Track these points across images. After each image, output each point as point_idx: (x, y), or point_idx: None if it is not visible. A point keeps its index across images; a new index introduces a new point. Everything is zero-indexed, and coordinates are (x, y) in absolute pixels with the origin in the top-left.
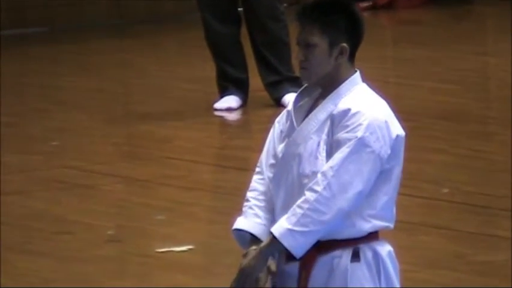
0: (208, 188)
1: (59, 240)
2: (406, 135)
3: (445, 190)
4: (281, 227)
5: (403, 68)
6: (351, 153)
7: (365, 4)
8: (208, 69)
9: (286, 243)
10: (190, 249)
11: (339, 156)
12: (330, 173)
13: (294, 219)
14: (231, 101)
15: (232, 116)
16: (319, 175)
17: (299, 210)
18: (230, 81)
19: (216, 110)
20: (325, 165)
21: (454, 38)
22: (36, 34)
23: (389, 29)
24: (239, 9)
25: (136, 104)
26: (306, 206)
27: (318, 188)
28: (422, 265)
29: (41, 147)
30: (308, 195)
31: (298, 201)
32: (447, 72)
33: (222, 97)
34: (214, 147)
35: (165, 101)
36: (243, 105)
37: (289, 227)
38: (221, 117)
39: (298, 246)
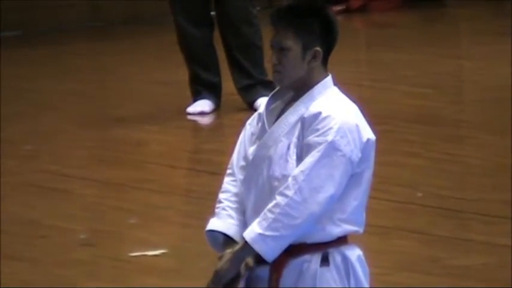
0: (181, 192)
1: (34, 244)
2: (380, 138)
3: (419, 194)
4: (253, 231)
5: (376, 72)
6: (321, 157)
7: (338, 7)
8: (181, 73)
9: (258, 247)
10: (163, 253)
11: (309, 160)
12: (301, 177)
13: (265, 224)
14: (204, 105)
15: (205, 120)
16: (290, 179)
17: (270, 215)
18: (203, 85)
19: (189, 114)
20: (295, 170)
21: (428, 41)
22: (13, 37)
23: (362, 32)
24: (212, 13)
25: (112, 107)
26: (277, 210)
27: (289, 193)
28: (396, 269)
29: (16, 151)
30: (279, 199)
31: (269, 206)
32: (421, 76)
33: (195, 101)
34: (187, 151)
35: (141, 105)
36: (216, 109)
37: (261, 231)
38: (194, 121)
39: (269, 251)
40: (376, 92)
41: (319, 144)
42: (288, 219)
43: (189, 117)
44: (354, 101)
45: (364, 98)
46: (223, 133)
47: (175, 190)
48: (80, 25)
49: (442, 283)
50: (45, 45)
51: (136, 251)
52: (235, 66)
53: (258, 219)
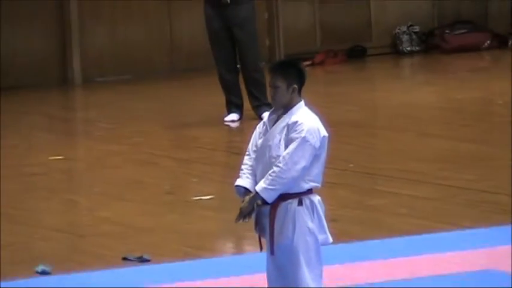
0: (221, 163)
1: (137, 192)
2: (330, 135)
3: (351, 165)
4: (260, 186)
5: (328, 97)
6: (298, 146)
7: (307, 62)
8: (221, 98)
9: (263, 195)
10: (211, 197)
11: (291, 147)
12: (287, 156)
13: (267, 181)
14: (233, 116)
15: (234, 125)
16: (281, 158)
17: (270, 177)
18: (233, 105)
19: (225, 121)
20: (284, 152)
21: (357, 80)
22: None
23: (321, 76)
24: (237, 65)
25: (182, 117)
26: (273, 174)
27: (280, 165)
28: (338, 206)
29: (128, 141)
30: (275, 168)
31: (269, 172)
32: (352, 100)
33: (228, 114)
34: (224, 142)
35: (198, 116)
36: (241, 119)
37: (264, 186)
38: (228, 126)
39: (269, 197)
40: (328, 108)
41: (297, 138)
42: (279, 179)
43: (225, 123)
44: (316, 113)
45: (322, 112)
46: (244, 132)
47: (218, 162)
48: (164, 72)
49: (362, 214)
50: (141, 84)
51: (197, 196)
52: (250, 94)
53: (263, 179)
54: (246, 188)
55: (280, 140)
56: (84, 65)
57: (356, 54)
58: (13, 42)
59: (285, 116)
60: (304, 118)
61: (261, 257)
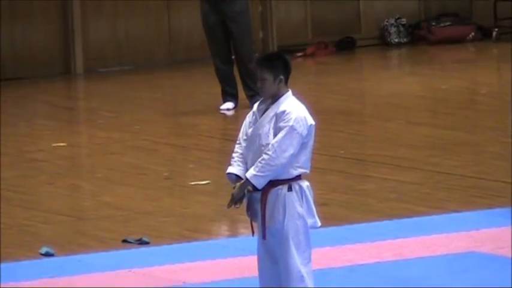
0: (216, 149)
1: (138, 178)
2: (319, 122)
3: (342, 151)
4: (250, 173)
5: (318, 87)
6: (286, 134)
7: (299, 54)
8: (218, 88)
9: (253, 181)
10: (207, 182)
11: (280, 135)
12: (276, 145)
13: (257, 168)
14: (228, 105)
15: (230, 113)
16: (270, 145)
17: (259, 164)
18: (228, 94)
19: (221, 109)
20: (273, 140)
21: (347, 71)
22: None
23: (312, 67)
24: (232, 56)
25: (181, 106)
26: (263, 161)
27: (269, 152)
28: (328, 191)
29: (130, 128)
30: (264, 156)
31: (259, 159)
32: (343, 89)
33: (224, 103)
34: (219, 129)
35: (197, 105)
36: (235, 107)
37: (254, 173)
38: (223, 114)
39: (259, 183)
40: (319, 97)
41: (285, 127)
42: (269, 166)
43: (221, 111)
44: (307, 102)
45: (313, 101)
46: (238, 120)
47: (214, 149)
48: (163, 63)
49: (352, 199)
50: (149, 74)
51: (194, 182)
52: (245, 84)
53: (253, 167)
54: (237, 175)
55: (269, 129)
56: (87, 56)
57: (346, 45)
58: (18, 35)
59: (273, 105)
60: (292, 107)
61: (254, 239)
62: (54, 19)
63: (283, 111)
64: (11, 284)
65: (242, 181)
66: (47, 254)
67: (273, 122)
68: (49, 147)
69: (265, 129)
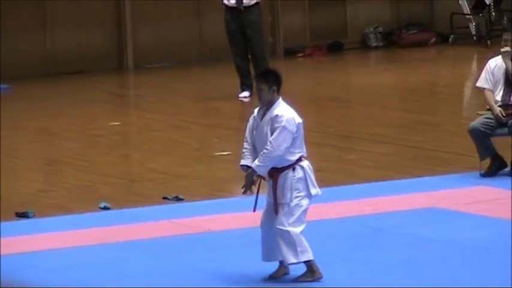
0: (237, 127)
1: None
2: (313, 107)
3: (332, 129)
4: (254, 164)
5: (315, 81)
6: (280, 132)
7: (300, 54)
8: (237, 80)
9: (257, 170)
10: (229, 153)
11: (275, 134)
12: (272, 141)
13: (259, 160)
14: (246, 93)
15: (246, 100)
16: (268, 142)
17: (261, 157)
18: (245, 85)
19: (240, 97)
20: (270, 138)
21: (336, 67)
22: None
23: (310, 64)
24: (249, 55)
25: (208, 94)
26: (263, 155)
27: (268, 147)
28: (322, 159)
29: (165, 110)
30: (264, 150)
31: (261, 153)
32: (333, 81)
33: (242, 92)
34: (238, 112)
35: (222, 93)
36: (251, 95)
37: (258, 163)
38: (241, 100)
39: (261, 171)
40: (315, 87)
41: (279, 127)
42: (268, 158)
43: (239, 98)
44: (304, 91)
45: (310, 90)
46: (253, 105)
47: (233, 127)
48: (195, 60)
49: (341, 166)
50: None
51: (218, 152)
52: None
53: (257, 159)
54: (247, 166)
55: (267, 131)
56: (136, 54)
57: (335, 48)
58: (82, 37)
59: (268, 111)
60: (283, 111)
61: (264, 198)
62: (110, 25)
63: (276, 115)
64: (78, 230)
65: (249, 170)
66: (105, 208)
67: (269, 124)
68: (106, 125)
69: (265, 130)
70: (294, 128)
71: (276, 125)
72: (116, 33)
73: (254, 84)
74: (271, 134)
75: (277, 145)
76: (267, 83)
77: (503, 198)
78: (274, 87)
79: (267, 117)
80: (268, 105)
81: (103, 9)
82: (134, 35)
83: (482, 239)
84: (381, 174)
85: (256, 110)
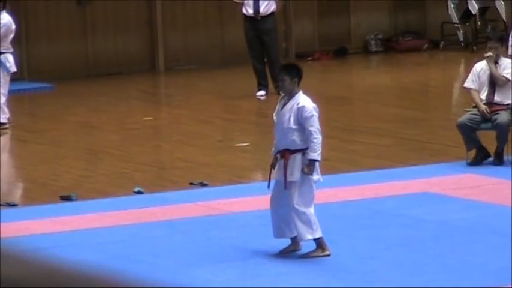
0: (254, 121)
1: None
2: (321, 105)
3: (337, 123)
4: (311, 155)
5: (322, 81)
6: (312, 120)
7: (310, 58)
8: (254, 81)
9: (319, 159)
10: (248, 144)
11: (311, 122)
12: (316, 130)
13: (313, 150)
14: (262, 92)
15: (263, 98)
16: (310, 132)
17: (314, 147)
18: (262, 85)
19: (257, 96)
20: (309, 128)
21: (341, 70)
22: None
23: (318, 67)
24: (265, 59)
25: (231, 93)
26: (314, 144)
27: (315, 136)
28: (329, 150)
29: (192, 107)
30: (313, 140)
31: (311, 144)
32: (338, 82)
33: (259, 91)
34: (256, 108)
35: (240, 92)
36: (267, 94)
37: (315, 154)
38: (258, 99)
39: (319, 157)
40: (323, 87)
41: (311, 116)
42: (319, 144)
43: (257, 97)
44: (313, 90)
45: (318, 90)
46: (269, 103)
47: (252, 122)
48: (217, 63)
49: (345, 156)
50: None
51: (238, 143)
52: (273, 78)
53: (310, 151)
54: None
55: (289, 117)
56: (167, 58)
57: (341, 53)
58: (119, 42)
59: (290, 100)
60: (307, 102)
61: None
62: (144, 31)
63: (303, 106)
64: (115, 212)
65: (309, 164)
66: (139, 192)
67: (293, 111)
68: (140, 120)
69: (286, 117)
70: (317, 114)
71: (306, 114)
72: (149, 39)
73: (270, 84)
74: (296, 122)
75: (319, 130)
76: (289, 74)
77: (487, 184)
78: (296, 79)
79: (289, 105)
80: (289, 95)
81: (137, 18)
82: (165, 41)
83: (468, 219)
84: (380, 163)
85: (279, 99)
